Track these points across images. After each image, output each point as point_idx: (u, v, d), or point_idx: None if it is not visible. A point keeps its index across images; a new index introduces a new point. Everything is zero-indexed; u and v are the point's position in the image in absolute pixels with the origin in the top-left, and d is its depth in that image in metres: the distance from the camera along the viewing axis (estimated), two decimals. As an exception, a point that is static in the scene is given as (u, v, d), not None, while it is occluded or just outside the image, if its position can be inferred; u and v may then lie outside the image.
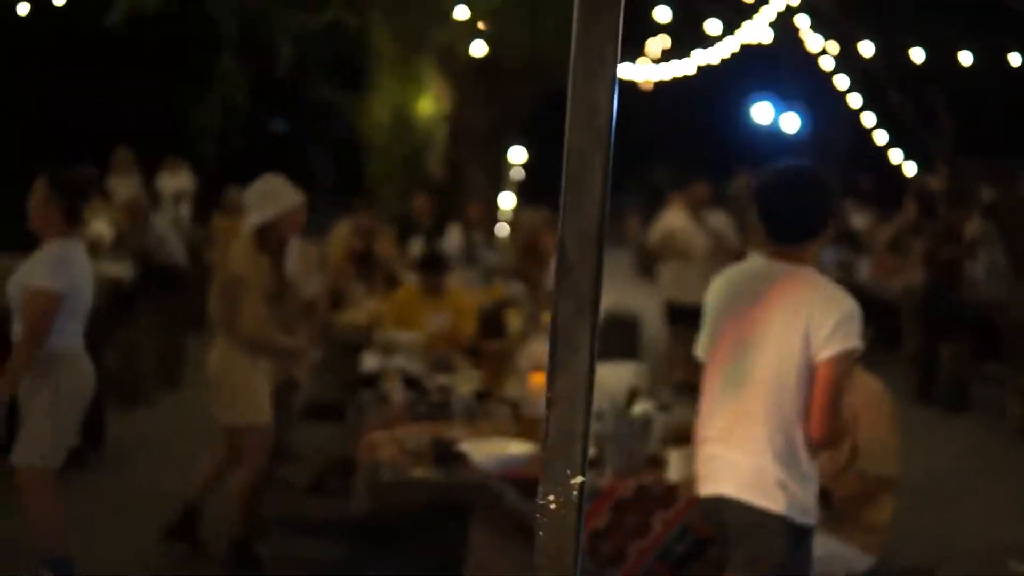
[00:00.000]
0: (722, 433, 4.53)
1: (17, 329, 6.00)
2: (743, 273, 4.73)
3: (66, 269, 6.02)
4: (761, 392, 4.43)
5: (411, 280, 11.12)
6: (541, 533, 2.33)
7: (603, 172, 2.35)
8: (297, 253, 7.48)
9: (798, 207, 4.55)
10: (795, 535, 4.43)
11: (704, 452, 4.62)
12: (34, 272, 5.99)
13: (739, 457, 4.47)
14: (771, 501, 4.39)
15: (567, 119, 2.40)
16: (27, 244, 6.31)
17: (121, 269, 13.53)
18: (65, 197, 6.12)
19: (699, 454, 4.66)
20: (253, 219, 6.87)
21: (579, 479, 2.33)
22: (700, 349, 4.70)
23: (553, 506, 2.34)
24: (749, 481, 4.44)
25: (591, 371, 2.35)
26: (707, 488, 4.60)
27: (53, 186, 6.12)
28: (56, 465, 6.17)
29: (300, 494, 6.52)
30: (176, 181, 20.14)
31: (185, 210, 19.26)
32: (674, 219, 11.94)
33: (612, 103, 2.39)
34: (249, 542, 6.78)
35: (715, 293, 4.72)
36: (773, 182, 4.61)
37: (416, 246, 13.69)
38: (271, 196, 6.85)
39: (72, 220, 6.16)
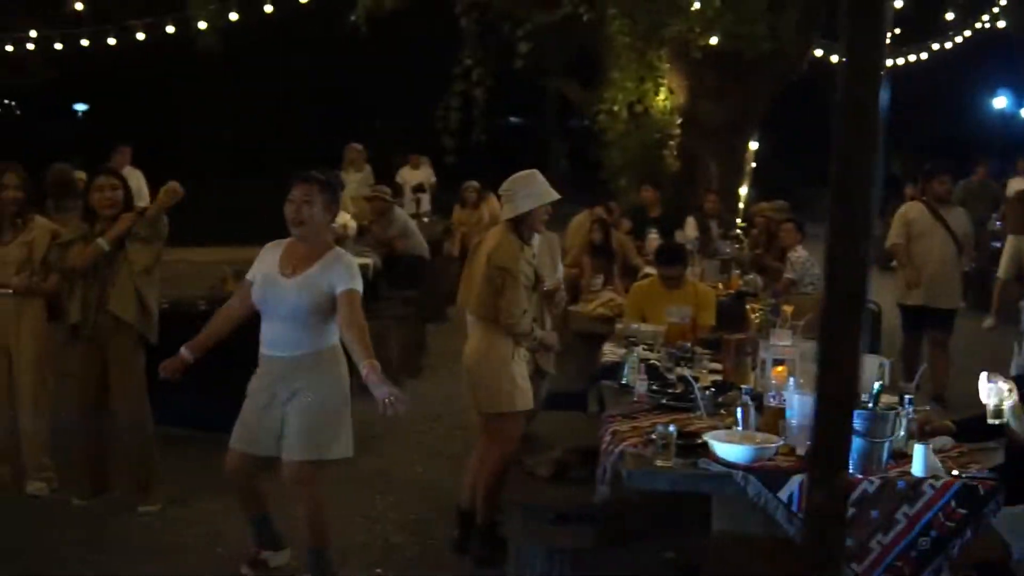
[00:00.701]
0: None
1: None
2: None
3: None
4: None
5: (649, 271, 11.16)
6: (807, 526, 2.36)
7: (871, 168, 2.37)
8: (537, 244, 7.58)
9: None
10: None
11: None
12: (354, 278, 6.26)
13: None
14: None
15: (835, 117, 2.42)
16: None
17: (365, 260, 13.91)
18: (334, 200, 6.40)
19: None
20: (507, 212, 7.02)
21: (843, 473, 2.35)
22: None
23: (818, 500, 2.37)
24: None
25: (856, 366, 2.37)
26: None
27: (323, 190, 6.35)
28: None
29: (542, 482, 6.61)
30: (417, 175, 20.55)
31: (426, 203, 19.63)
32: (912, 213, 11.61)
33: (879, 102, 2.40)
34: (494, 527, 6.94)
35: None
36: None
37: (653, 238, 13.69)
38: (529, 190, 6.98)
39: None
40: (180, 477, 8.31)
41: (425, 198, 19.69)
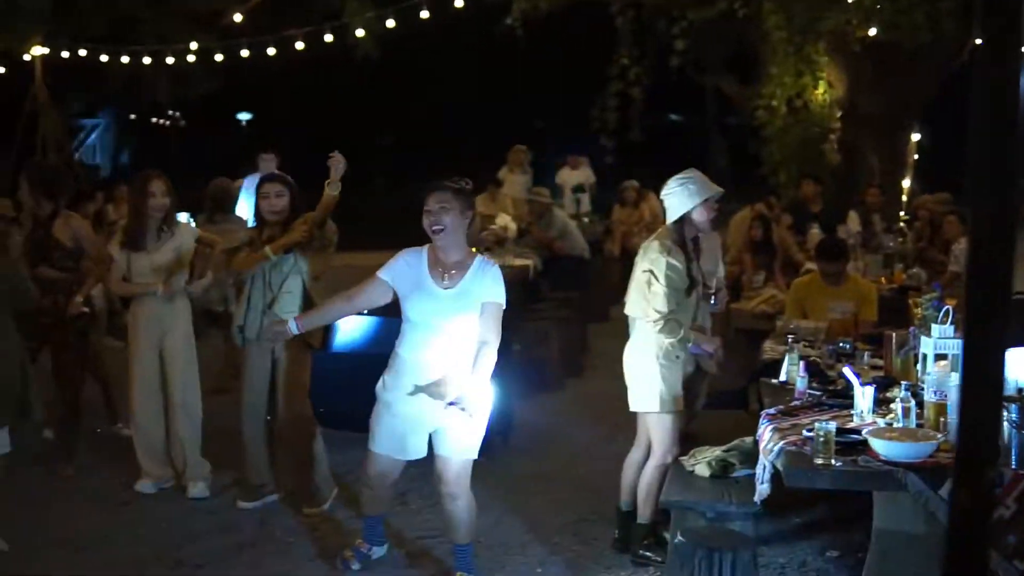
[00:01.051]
0: None
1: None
2: None
3: None
4: None
5: (810, 267, 11.03)
6: (952, 522, 2.32)
7: (1009, 152, 2.32)
8: (704, 243, 7.53)
9: None
10: None
11: None
12: (501, 289, 6.42)
13: None
14: None
15: (972, 103, 2.38)
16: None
17: (525, 261, 13.99)
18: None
19: None
20: (670, 214, 7.00)
21: (991, 470, 2.31)
22: None
23: (963, 498, 2.33)
24: None
25: (1002, 359, 2.32)
26: None
27: (458, 195, 6.44)
28: None
29: (701, 481, 6.59)
30: (577, 175, 20.58)
31: (586, 203, 19.65)
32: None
33: (1018, 86, 2.35)
34: (655, 527, 6.93)
35: None
36: None
37: (815, 233, 13.52)
38: (689, 188, 6.94)
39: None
40: (344, 479, 8.44)
41: (585, 198, 19.71)
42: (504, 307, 6.44)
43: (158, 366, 8.35)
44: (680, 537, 5.69)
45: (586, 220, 18.50)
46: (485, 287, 6.36)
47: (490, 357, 6.27)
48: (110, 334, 13.97)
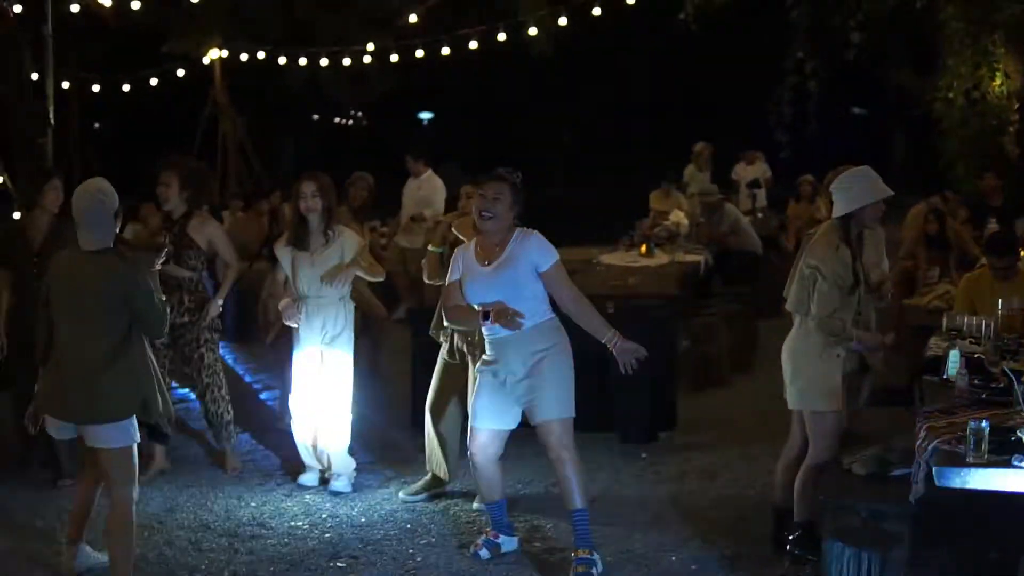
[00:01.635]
0: None
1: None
2: None
3: None
4: None
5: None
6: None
7: None
8: (867, 237, 7.42)
9: None
10: None
11: None
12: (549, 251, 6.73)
13: None
14: None
15: None
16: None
17: (696, 257, 13.95)
18: None
19: None
20: (836, 209, 6.92)
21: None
22: None
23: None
24: None
25: None
26: None
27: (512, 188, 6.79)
28: None
29: (858, 480, 6.49)
30: (752, 171, 20.40)
31: (762, 199, 19.47)
32: None
33: None
34: (811, 526, 6.84)
35: None
36: None
37: (993, 227, 13.18)
38: (858, 187, 6.85)
39: None
40: (517, 474, 8.54)
41: (761, 194, 19.48)
42: (560, 263, 6.78)
43: (317, 366, 8.51)
44: (833, 536, 5.63)
45: (760, 215, 18.31)
46: (528, 250, 6.75)
47: (587, 313, 6.78)
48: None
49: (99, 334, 6.35)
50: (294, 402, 8.63)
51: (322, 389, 8.48)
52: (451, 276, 7.00)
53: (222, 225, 15.08)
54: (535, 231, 6.83)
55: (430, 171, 15.03)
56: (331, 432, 8.51)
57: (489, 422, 6.93)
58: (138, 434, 6.48)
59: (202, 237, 8.71)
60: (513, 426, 6.99)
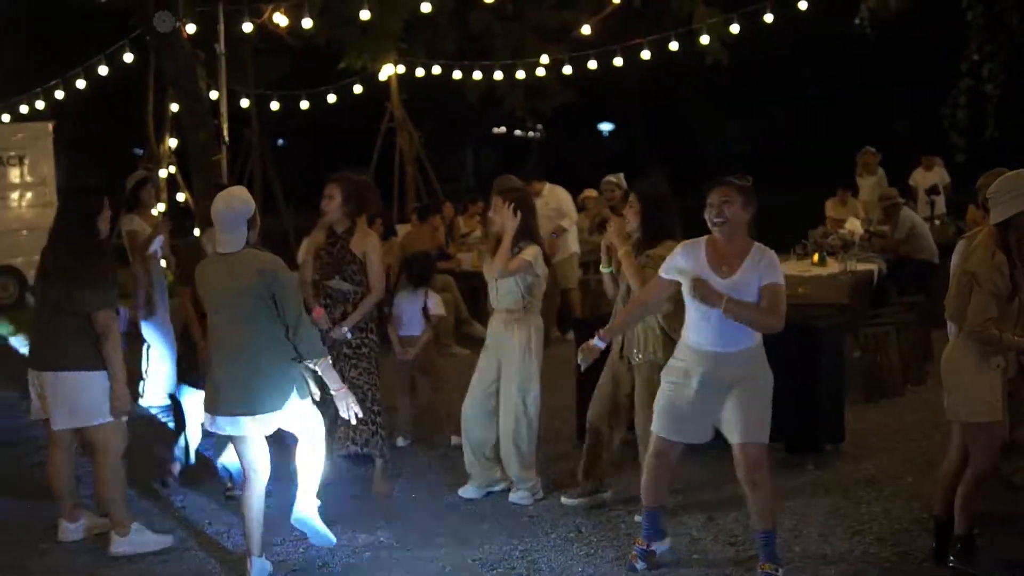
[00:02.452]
0: None
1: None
2: None
3: None
4: None
5: None
6: None
7: None
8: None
9: None
10: None
11: None
12: (776, 272, 6.68)
13: None
14: None
15: None
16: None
17: (869, 265, 13.72)
18: None
19: None
20: (994, 215, 6.77)
21: None
22: None
23: None
24: None
25: None
26: None
27: (741, 191, 6.68)
28: None
29: (1019, 491, 6.33)
30: (931, 176, 20.04)
31: (941, 205, 19.08)
32: None
33: None
34: (972, 538, 6.69)
35: None
36: None
37: None
38: (1016, 192, 6.69)
39: None
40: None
41: (939, 200, 19.08)
42: (783, 287, 6.65)
43: (495, 375, 8.58)
44: (992, 549, 5.51)
45: (939, 222, 17.93)
46: (762, 272, 6.61)
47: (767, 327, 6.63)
48: (458, 343, 14.49)
49: (247, 329, 6.79)
50: (468, 410, 8.69)
51: (503, 398, 8.54)
52: (666, 272, 6.90)
53: (395, 239, 15.42)
54: (770, 251, 6.75)
55: (546, 184, 15.02)
56: (516, 443, 8.54)
57: (675, 434, 6.89)
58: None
59: (360, 251, 8.72)
60: (701, 440, 6.94)
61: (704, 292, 6.54)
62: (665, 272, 6.88)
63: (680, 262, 6.78)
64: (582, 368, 7.60)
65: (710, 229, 6.71)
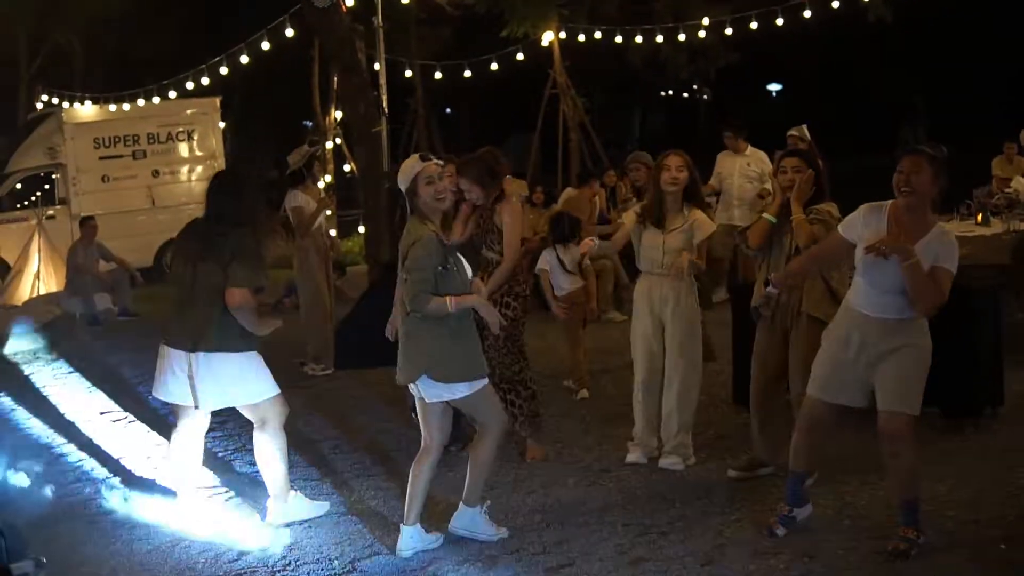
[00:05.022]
0: None
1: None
2: None
3: None
4: None
5: None
6: None
7: None
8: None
9: None
10: None
11: None
12: (950, 257, 6.56)
13: None
14: None
15: None
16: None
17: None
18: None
19: None
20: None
21: None
22: None
23: None
24: None
25: None
26: None
27: (932, 162, 6.51)
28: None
29: None
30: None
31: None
32: None
33: None
34: None
35: None
36: None
37: None
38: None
39: None
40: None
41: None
42: (953, 274, 6.49)
43: (660, 341, 8.59)
44: None
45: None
46: (938, 253, 6.49)
47: (924, 310, 6.51)
48: (616, 308, 14.56)
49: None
50: (639, 377, 8.72)
51: (668, 365, 8.57)
52: (847, 231, 6.82)
53: (555, 206, 15.50)
54: (952, 235, 6.68)
55: (748, 146, 14.92)
56: (676, 409, 8.56)
57: (830, 395, 6.86)
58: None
59: (499, 221, 8.74)
60: (856, 404, 6.86)
61: (893, 243, 6.41)
62: (845, 231, 6.81)
63: (859, 225, 6.73)
64: (760, 314, 7.70)
65: (895, 195, 6.61)
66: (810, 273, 7.56)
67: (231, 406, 7.75)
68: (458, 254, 7.08)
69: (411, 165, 6.98)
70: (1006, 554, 6.68)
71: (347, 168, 22.82)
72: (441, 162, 7.15)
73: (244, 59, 19.98)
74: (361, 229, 20.47)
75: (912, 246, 6.40)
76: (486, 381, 7.06)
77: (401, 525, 7.21)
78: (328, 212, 11.60)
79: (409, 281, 6.84)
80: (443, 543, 7.22)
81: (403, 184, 6.97)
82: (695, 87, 41.73)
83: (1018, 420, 9.21)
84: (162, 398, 7.83)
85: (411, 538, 7.16)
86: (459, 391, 6.96)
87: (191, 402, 7.61)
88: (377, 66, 16.73)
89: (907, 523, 6.72)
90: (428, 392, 6.99)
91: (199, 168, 22.48)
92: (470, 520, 7.25)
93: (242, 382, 7.59)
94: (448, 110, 36.42)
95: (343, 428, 10.26)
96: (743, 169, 14.86)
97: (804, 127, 13.73)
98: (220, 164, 22.28)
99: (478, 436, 7.24)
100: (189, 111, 22.56)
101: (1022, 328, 11.14)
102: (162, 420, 10.17)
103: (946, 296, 6.47)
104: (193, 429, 7.89)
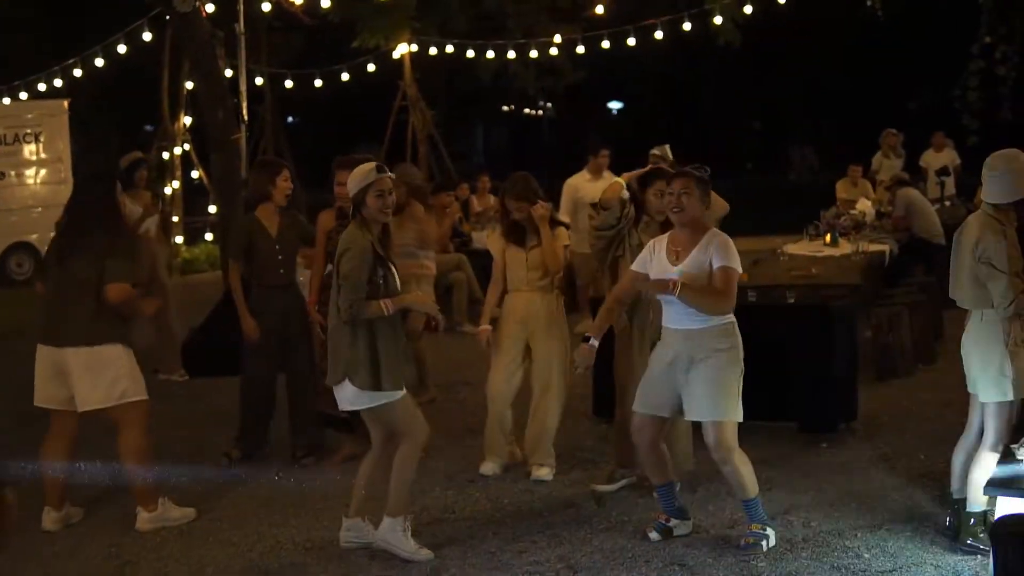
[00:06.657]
0: None
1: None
2: None
3: None
4: None
5: None
6: None
7: None
8: None
9: None
10: None
11: None
12: (729, 256, 6.90)
13: None
14: None
15: None
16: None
17: (881, 246, 13.83)
18: None
19: None
20: (994, 195, 6.83)
21: None
22: None
23: None
24: None
25: None
26: None
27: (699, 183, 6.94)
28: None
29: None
30: (941, 158, 20.13)
31: (951, 187, 19.17)
32: None
33: None
34: (986, 515, 6.77)
35: None
36: None
37: None
38: (1012, 168, 6.78)
39: None
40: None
41: (949, 182, 19.13)
42: (737, 271, 6.92)
43: (521, 354, 8.70)
44: (999, 526, 5.60)
45: (948, 203, 18.00)
46: (711, 255, 6.89)
47: (717, 311, 6.86)
48: (469, 321, 14.61)
49: None
50: (494, 389, 8.77)
51: (535, 377, 8.70)
52: (640, 268, 7.16)
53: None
54: (724, 235, 7.00)
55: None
56: (544, 421, 8.65)
57: (648, 407, 7.14)
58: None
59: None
60: (664, 414, 7.14)
61: (653, 287, 6.86)
62: (639, 266, 7.21)
63: (647, 255, 7.16)
64: (579, 371, 7.68)
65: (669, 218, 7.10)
66: (614, 315, 7.69)
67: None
68: (389, 264, 7.06)
69: (364, 174, 6.95)
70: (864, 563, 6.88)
71: (195, 175, 22.59)
72: (393, 175, 7.18)
73: (99, 62, 19.71)
74: (208, 236, 20.22)
75: (673, 277, 6.77)
76: (403, 392, 7.05)
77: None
78: (154, 218, 11.71)
79: (343, 289, 6.83)
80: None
81: (352, 189, 6.96)
82: (539, 103, 41.98)
83: (871, 434, 9.48)
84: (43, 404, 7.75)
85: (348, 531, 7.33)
86: (378, 399, 6.95)
87: (71, 405, 7.56)
88: (230, 73, 16.60)
89: (752, 520, 7.05)
90: (346, 398, 7.04)
91: (44, 171, 22.04)
92: (390, 532, 7.15)
93: (117, 379, 7.51)
94: (290, 119, 36.12)
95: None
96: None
97: (667, 147, 13.70)
98: (67, 167, 21.84)
99: (400, 446, 7.13)
100: (35, 113, 22.10)
101: (873, 346, 11.44)
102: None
103: (733, 294, 6.86)
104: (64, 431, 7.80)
